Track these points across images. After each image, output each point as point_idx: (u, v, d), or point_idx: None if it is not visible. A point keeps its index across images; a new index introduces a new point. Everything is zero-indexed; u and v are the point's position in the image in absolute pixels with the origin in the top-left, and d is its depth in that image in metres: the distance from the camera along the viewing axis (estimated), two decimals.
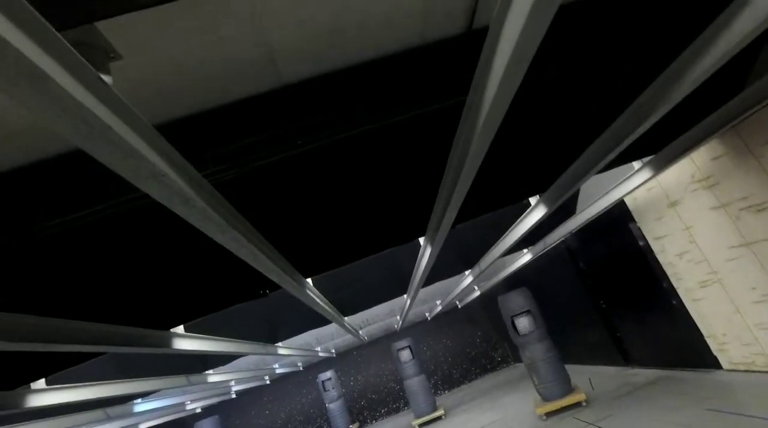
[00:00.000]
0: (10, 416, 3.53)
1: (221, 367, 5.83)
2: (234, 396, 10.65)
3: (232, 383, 7.75)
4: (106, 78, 0.99)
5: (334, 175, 2.58)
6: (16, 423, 3.66)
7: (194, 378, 4.84)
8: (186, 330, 3.41)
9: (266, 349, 4.93)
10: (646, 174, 3.68)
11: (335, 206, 2.76)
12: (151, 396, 5.56)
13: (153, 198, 1.30)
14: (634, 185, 3.88)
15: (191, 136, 1.89)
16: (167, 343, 2.84)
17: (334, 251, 3.14)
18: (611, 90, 2.57)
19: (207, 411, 10.47)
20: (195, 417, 10.13)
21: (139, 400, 5.39)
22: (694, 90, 1.93)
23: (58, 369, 3.01)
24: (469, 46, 1.98)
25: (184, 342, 3.01)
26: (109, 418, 4.80)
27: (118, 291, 2.53)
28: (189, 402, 7.84)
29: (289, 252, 2.65)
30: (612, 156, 2.53)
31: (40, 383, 3.01)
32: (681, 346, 5.08)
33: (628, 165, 3.81)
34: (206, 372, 5.28)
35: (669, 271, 4.91)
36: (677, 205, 4.45)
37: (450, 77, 2.08)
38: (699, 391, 4.29)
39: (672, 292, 4.95)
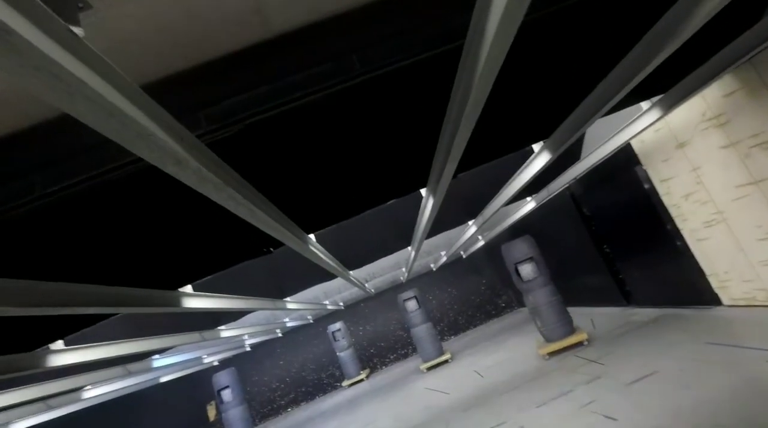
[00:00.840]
0: (34, 375, 3.69)
1: (233, 323, 6.02)
2: (249, 349, 11.11)
3: (245, 337, 8.05)
4: (76, 30, 0.92)
5: (332, 128, 2.50)
6: (44, 381, 3.84)
7: (207, 334, 5.01)
8: (195, 289, 3.47)
9: (275, 304, 5.05)
10: (654, 114, 3.56)
11: (334, 160, 2.70)
12: (167, 352, 5.79)
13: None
14: (641, 127, 3.77)
15: (182, 94, 1.82)
16: (176, 303, 2.90)
17: (335, 206, 3.12)
18: (619, 26, 2.42)
19: (224, 364, 10.97)
20: (213, 369, 10.62)
21: (157, 356, 5.62)
22: (707, 22, 1.80)
23: (74, 331, 3.11)
24: None
25: (193, 300, 3.07)
26: (130, 374, 5.02)
27: (125, 255, 2.55)
28: (206, 356, 8.19)
29: (289, 208, 2.63)
30: (620, 96, 2.43)
31: (59, 344, 3.12)
32: (682, 285, 5.16)
33: (636, 106, 3.68)
34: (218, 328, 5.46)
35: (674, 213, 4.89)
36: (685, 146, 4.35)
37: (448, 19, 1.95)
38: (699, 326, 4.41)
39: (676, 233, 4.95)
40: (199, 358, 8.10)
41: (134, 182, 2.14)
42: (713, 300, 4.77)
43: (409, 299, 9.43)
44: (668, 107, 3.45)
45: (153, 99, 1.12)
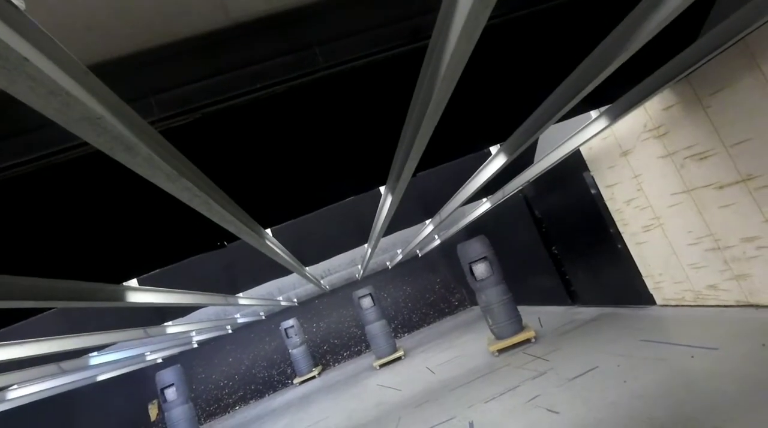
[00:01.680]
0: None
1: (180, 319, 5.77)
2: (196, 345, 10.70)
3: (193, 334, 7.74)
4: (16, 1, 0.84)
5: (292, 121, 2.44)
6: None
7: (152, 330, 4.77)
8: (140, 283, 3.29)
9: (226, 300, 4.89)
10: (602, 123, 3.77)
11: (293, 155, 2.65)
12: (107, 348, 5.47)
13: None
14: (590, 134, 3.97)
15: (134, 78, 1.71)
16: (120, 297, 2.73)
17: (294, 201, 3.06)
18: (574, 37, 2.53)
19: (168, 361, 10.50)
20: (156, 367, 10.14)
21: (95, 353, 5.29)
22: (651, 39, 1.93)
23: (3, 326, 2.86)
24: None
25: (138, 295, 2.91)
26: (64, 372, 4.69)
27: (66, 245, 2.37)
28: (149, 353, 7.80)
29: (246, 202, 2.56)
30: (573, 103, 2.54)
31: None
32: (622, 286, 5.51)
33: (586, 114, 3.88)
34: (164, 324, 5.21)
35: (616, 217, 5.20)
36: (629, 154, 4.64)
37: (413, 18, 1.96)
38: (635, 324, 4.73)
39: (618, 237, 5.28)
40: (142, 355, 7.70)
41: (80, 167, 1.99)
42: (648, 300, 5.13)
43: (363, 296, 9.44)
44: (615, 117, 3.66)
45: (101, 81, 1.04)
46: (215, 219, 2.12)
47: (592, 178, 5.37)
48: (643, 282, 5.13)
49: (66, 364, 4.77)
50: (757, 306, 3.79)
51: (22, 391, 4.82)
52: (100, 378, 7.68)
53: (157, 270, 3.67)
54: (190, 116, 1.88)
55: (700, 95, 3.59)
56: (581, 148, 5.24)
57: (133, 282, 3.06)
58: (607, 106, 3.69)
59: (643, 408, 2.82)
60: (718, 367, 2.98)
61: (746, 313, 3.77)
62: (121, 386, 10.00)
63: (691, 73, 3.51)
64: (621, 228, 5.20)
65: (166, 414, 8.78)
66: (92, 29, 1.45)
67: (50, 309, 3.09)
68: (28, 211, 2.15)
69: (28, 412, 6.68)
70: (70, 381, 5.91)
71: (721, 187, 3.71)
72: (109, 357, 5.76)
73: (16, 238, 2.21)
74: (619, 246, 5.29)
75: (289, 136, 2.52)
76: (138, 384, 10.74)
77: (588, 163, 5.35)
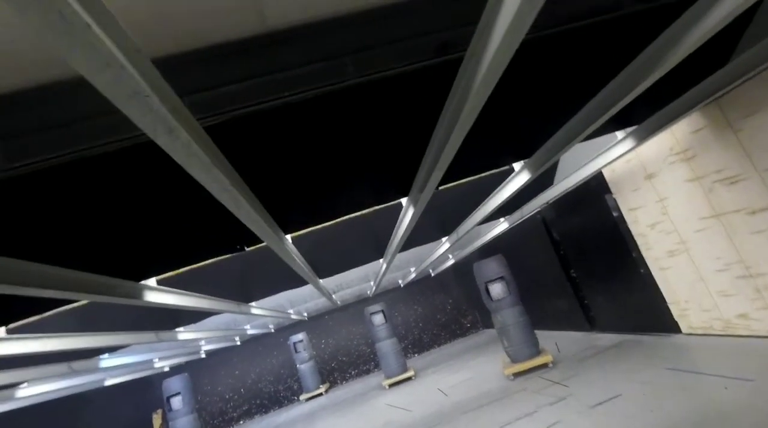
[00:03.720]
0: None
1: (192, 325, 5.75)
2: (203, 356, 10.64)
3: (203, 342, 7.70)
4: None
5: (319, 129, 2.46)
6: None
7: (163, 334, 4.75)
8: (159, 284, 3.29)
9: (239, 308, 4.87)
10: (628, 144, 3.72)
11: (318, 162, 2.66)
12: (117, 351, 5.45)
13: (133, 137, 1.17)
14: (615, 155, 3.92)
15: (169, 78, 1.74)
16: (137, 294, 2.73)
17: (315, 208, 3.06)
18: (604, 56, 2.52)
19: (175, 370, 10.44)
20: (163, 375, 10.08)
21: (106, 355, 5.28)
22: (681, 62, 1.92)
23: (20, 318, 2.88)
24: None
25: (155, 294, 2.90)
26: (73, 372, 4.68)
27: (90, 237, 2.39)
28: (157, 359, 7.76)
29: (269, 206, 2.56)
30: (600, 122, 2.52)
31: (1, 331, 2.87)
32: (644, 312, 5.33)
33: (610, 136, 3.84)
34: (176, 329, 5.19)
35: (639, 241, 5.08)
36: (653, 178, 4.56)
37: (446, 31, 1.98)
38: (659, 352, 4.55)
39: (640, 261, 5.14)
40: (150, 361, 7.67)
41: (111, 161, 2.02)
42: (673, 327, 4.94)
43: (376, 312, 9.33)
44: (641, 138, 3.61)
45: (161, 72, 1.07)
46: (241, 218, 2.11)
47: (615, 200, 5.27)
48: (667, 308, 4.96)
49: (76, 364, 4.76)
50: None
51: (32, 390, 4.81)
52: (108, 383, 7.65)
53: (174, 273, 3.68)
54: (220, 117, 1.90)
55: (730, 119, 3.53)
56: (604, 170, 5.17)
57: (152, 282, 3.06)
58: (633, 128, 3.65)
59: None
60: (754, 400, 2.82)
61: None
62: (127, 393, 9.94)
63: (721, 96, 3.46)
64: (644, 253, 5.07)
65: (170, 423, 8.66)
66: (133, 28, 1.49)
67: (68, 302, 3.10)
68: (56, 202, 2.17)
69: (33, 414, 6.65)
70: (78, 383, 5.89)
71: (753, 213, 3.60)
72: (119, 361, 5.74)
73: (42, 228, 2.23)
74: (642, 270, 5.15)
75: (315, 143, 2.54)
76: (144, 392, 10.67)
77: (610, 185, 5.26)
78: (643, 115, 3.50)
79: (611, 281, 5.86)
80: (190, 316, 5.25)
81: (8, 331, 3.23)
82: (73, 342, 3.55)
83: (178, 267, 3.13)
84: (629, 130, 3.70)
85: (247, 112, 1.89)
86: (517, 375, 5.60)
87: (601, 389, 3.99)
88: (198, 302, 3.76)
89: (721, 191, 3.82)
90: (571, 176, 4.62)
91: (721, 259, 4.05)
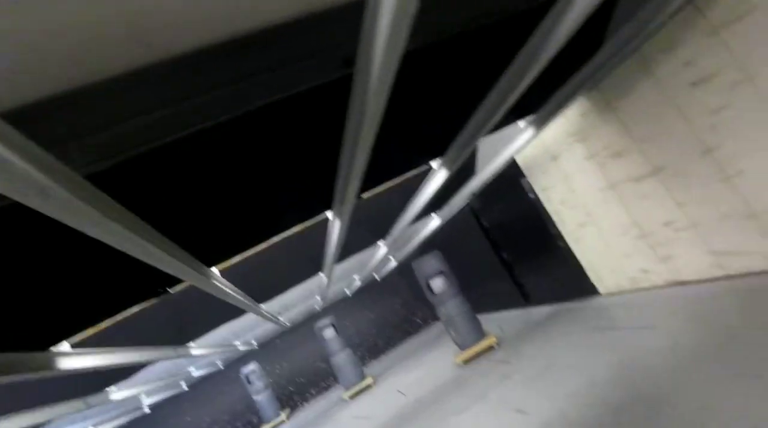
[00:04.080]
0: None
1: (125, 381, 5.30)
2: (148, 411, 9.84)
3: (143, 396, 7.13)
4: None
5: (228, 155, 2.39)
6: None
7: (93, 399, 4.33)
8: (74, 347, 3.01)
9: (177, 352, 4.58)
10: (530, 132, 4.01)
11: (235, 189, 2.59)
12: None
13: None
14: (521, 143, 4.21)
15: (53, 122, 1.60)
16: (49, 365, 2.47)
17: (240, 235, 2.97)
18: (492, 54, 2.70)
19: None
20: None
21: None
22: (561, 51, 2.12)
23: None
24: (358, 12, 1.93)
25: (73, 359, 2.64)
26: None
27: None
28: (91, 427, 7.06)
29: (187, 242, 2.44)
30: (499, 115, 2.70)
31: None
32: (568, 282, 5.78)
33: (514, 126, 4.12)
34: (107, 389, 4.76)
35: (555, 218, 5.50)
36: (558, 159, 4.96)
37: (341, 48, 2.01)
38: (584, 316, 4.97)
39: (558, 236, 5.56)
40: None
41: None
42: (592, 291, 5.41)
43: (325, 327, 9.21)
44: (540, 125, 3.92)
45: (18, 127, 0.98)
46: (152, 263, 2.00)
47: (529, 183, 5.66)
48: (586, 275, 5.42)
49: None
50: (684, 283, 4.12)
51: None
52: None
53: (94, 331, 3.38)
54: (114, 159, 1.78)
55: (608, 100, 3.95)
56: (516, 157, 5.54)
57: (65, 347, 2.78)
58: (532, 116, 3.95)
59: (600, 394, 2.94)
60: (659, 343, 3.19)
61: (675, 291, 4.11)
62: None
63: (599, 81, 3.86)
64: (560, 228, 5.50)
65: None
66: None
67: None
68: None
69: None
70: None
71: (638, 180, 4.05)
72: None
73: None
74: (561, 244, 5.58)
75: (226, 170, 2.46)
76: None
77: (524, 169, 5.65)
78: (538, 103, 3.80)
79: (538, 258, 6.28)
80: (122, 372, 4.85)
81: None
82: None
83: (94, 325, 2.88)
84: (529, 118, 4.00)
85: (151, 147, 1.79)
86: (466, 361, 5.82)
87: (540, 360, 4.27)
88: (126, 356, 3.48)
89: (611, 165, 4.25)
90: (488, 166, 4.89)
91: (620, 225, 4.52)
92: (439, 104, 2.89)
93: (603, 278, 5.20)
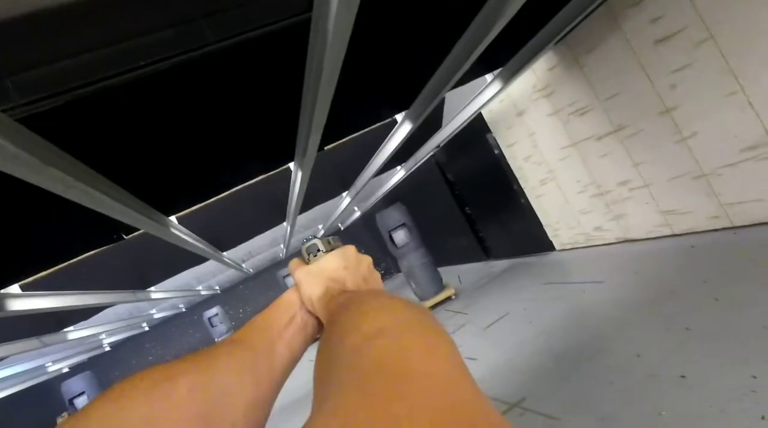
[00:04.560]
0: None
1: (83, 322, 5.27)
2: (108, 348, 9.89)
3: (102, 336, 7.14)
4: None
5: (187, 101, 2.27)
6: None
7: (49, 338, 4.31)
8: (26, 288, 2.94)
9: (136, 296, 4.55)
10: (497, 85, 4.00)
11: (191, 136, 2.48)
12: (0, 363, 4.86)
13: None
14: (488, 97, 4.20)
15: None
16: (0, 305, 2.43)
17: (197, 185, 2.90)
18: (461, 3, 2.60)
19: (77, 369, 9.62)
20: (63, 376, 9.24)
21: None
22: (529, 2, 2.07)
23: None
24: None
25: (22, 302, 2.60)
26: None
27: None
28: (50, 363, 7.07)
29: (143, 190, 2.37)
30: (465, 67, 2.66)
31: None
32: (527, 237, 6.05)
33: (482, 79, 4.09)
34: (65, 330, 4.73)
35: (518, 174, 5.63)
36: (523, 114, 5.00)
37: None
38: (539, 270, 5.25)
39: (520, 192, 5.74)
40: (42, 367, 6.96)
41: None
42: (549, 247, 5.70)
43: (287, 276, 9.34)
44: (507, 79, 3.90)
45: None
46: (103, 211, 1.94)
47: (494, 139, 5.72)
48: (544, 231, 5.67)
49: None
50: (633, 240, 4.39)
51: None
52: None
53: (46, 273, 3.29)
54: (59, 99, 1.66)
55: (576, 55, 3.94)
56: (483, 111, 5.53)
57: (14, 289, 2.72)
58: (499, 70, 3.92)
59: (545, 343, 3.18)
60: (604, 297, 3.45)
61: (624, 248, 4.37)
62: (25, 402, 9.00)
63: (566, 35, 3.83)
64: (523, 184, 5.66)
65: None
66: None
67: None
68: None
69: None
70: None
71: (599, 139, 4.17)
72: (5, 373, 5.13)
73: None
74: (522, 201, 5.76)
75: (183, 116, 2.35)
76: (44, 398, 9.75)
77: (490, 124, 5.67)
78: (506, 56, 3.76)
79: (500, 213, 6.49)
80: (80, 314, 4.80)
81: None
82: None
83: (45, 270, 2.81)
84: (496, 72, 3.97)
85: (94, 88, 1.67)
86: None
87: (494, 311, 4.54)
88: (81, 300, 3.44)
89: (575, 122, 4.34)
90: (453, 119, 4.88)
91: (580, 182, 4.69)
92: (403, 55, 2.80)
93: (560, 234, 5.47)
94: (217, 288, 11.06)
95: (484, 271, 6.85)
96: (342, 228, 12.70)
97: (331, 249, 0.62)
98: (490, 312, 4.58)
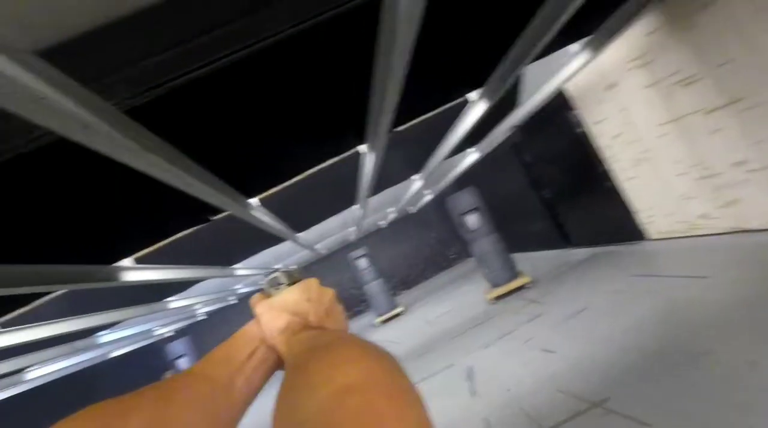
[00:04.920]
0: None
1: (181, 294, 5.86)
2: (205, 317, 10.97)
3: (197, 307, 7.89)
4: None
5: (264, 87, 2.35)
6: None
7: (154, 306, 4.85)
8: (137, 262, 3.30)
9: (223, 272, 4.94)
10: (584, 57, 3.67)
11: (268, 122, 2.57)
12: (116, 326, 5.58)
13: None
14: (572, 70, 3.88)
15: (88, 58, 1.62)
16: (115, 277, 2.75)
17: (276, 168, 3.02)
18: None
19: (179, 333, 10.80)
20: (169, 339, 10.44)
21: (106, 331, 5.41)
22: None
23: (9, 312, 2.91)
24: None
25: (133, 273, 2.93)
26: (77, 351, 4.83)
27: (55, 232, 2.35)
28: (157, 328, 7.98)
29: (226, 174, 2.52)
30: (548, 38, 2.46)
31: None
32: (613, 224, 5.58)
33: (566, 50, 3.76)
34: (166, 300, 5.30)
35: (606, 154, 5.18)
36: (614, 88, 4.55)
37: None
38: (627, 261, 4.82)
39: (607, 175, 5.28)
40: (150, 331, 7.89)
41: (49, 153, 1.93)
42: (641, 235, 5.20)
43: (359, 257, 9.57)
44: (597, 48, 3.56)
45: (55, 64, 1.00)
46: (193, 193, 2.09)
47: (579, 116, 5.29)
48: (633, 218, 5.19)
49: (78, 344, 4.90)
50: (749, 231, 3.82)
51: (41, 371, 4.95)
52: (114, 354, 7.90)
53: (150, 250, 3.67)
54: (152, 93, 1.79)
55: (684, 15, 3.44)
56: (565, 86, 5.14)
57: (128, 262, 3.06)
58: (587, 38, 3.58)
59: (634, 340, 2.92)
60: (709, 295, 3.05)
61: (737, 240, 3.82)
62: (137, 360, 10.33)
63: None
64: (610, 166, 5.19)
65: None
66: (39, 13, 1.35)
67: (49, 293, 3.13)
68: (9, 201, 2.10)
69: (50, 390, 6.90)
70: (85, 359, 6.08)
71: (709, 112, 3.65)
72: (119, 335, 5.90)
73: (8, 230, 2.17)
74: (609, 184, 5.31)
75: (261, 102, 2.44)
76: (153, 357, 11.09)
77: (573, 100, 5.25)
78: (595, 23, 3.42)
79: (582, 197, 6.04)
80: (177, 286, 5.33)
81: (2, 325, 3.26)
82: (68, 326, 3.63)
83: (150, 246, 3.13)
84: (584, 41, 3.63)
85: (185, 80, 1.79)
86: (497, 299, 5.93)
87: (573, 303, 4.27)
88: (179, 273, 3.81)
89: (678, 94, 3.84)
90: (533, 97, 4.59)
91: (681, 163, 4.18)
92: (478, 28, 2.65)
93: (654, 221, 4.95)
94: (295, 267, 11.67)
95: (561, 259, 6.47)
96: (413, 212, 12.70)
97: (294, 282, 0.61)
98: (570, 303, 4.31)
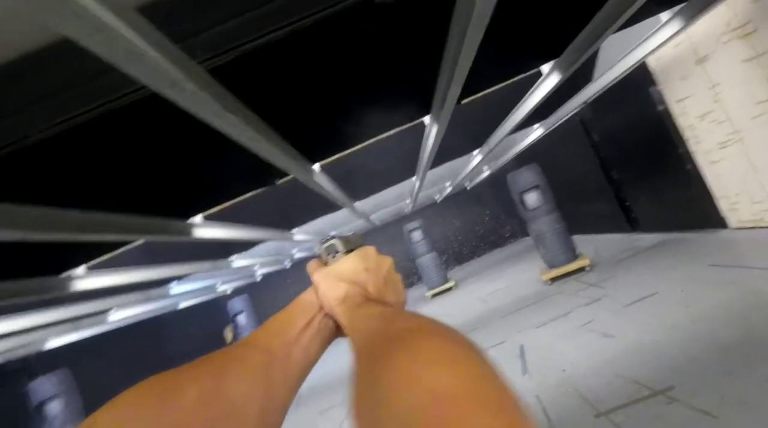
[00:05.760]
0: (62, 298, 3.92)
1: (243, 253, 6.22)
2: (259, 279, 11.61)
3: (256, 267, 8.34)
4: None
5: (331, 54, 2.36)
6: (69, 303, 4.10)
7: (219, 263, 5.20)
8: (206, 220, 3.53)
9: (282, 235, 5.16)
10: (675, 26, 3.32)
11: (334, 89, 2.60)
12: (184, 279, 6.07)
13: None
14: (659, 41, 3.53)
15: (169, 22, 1.70)
16: (188, 232, 2.97)
17: (341, 135, 3.06)
18: None
19: (237, 292, 11.54)
20: (227, 297, 11.21)
21: (174, 283, 5.90)
22: None
23: (94, 257, 3.25)
24: None
25: (204, 230, 3.15)
26: (150, 299, 5.32)
27: (135, 186, 2.56)
28: (219, 284, 8.57)
29: (293, 138, 2.59)
30: (637, 5, 2.25)
31: (81, 270, 3.25)
32: (689, 209, 5.16)
33: (654, 19, 3.43)
34: (229, 258, 5.65)
35: (688, 134, 4.75)
36: (706, 61, 4.12)
37: None
38: (703, 249, 4.48)
39: (687, 156, 4.86)
40: (213, 286, 8.48)
41: (139, 110, 2.08)
42: (720, 223, 4.79)
43: (414, 229, 9.59)
44: (691, 17, 3.21)
45: (152, 21, 1.06)
46: (263, 154, 2.17)
47: (660, 92, 4.86)
48: (714, 204, 4.77)
49: (153, 292, 5.40)
50: None
51: (120, 314, 5.53)
52: (181, 306, 8.62)
53: (217, 210, 3.90)
54: (229, 55, 1.86)
55: None
56: (648, 59, 4.72)
57: (198, 219, 3.28)
58: (681, 5, 3.23)
59: (706, 331, 2.74)
60: None
61: None
62: (199, 314, 11.22)
63: None
64: (693, 147, 4.77)
65: (239, 337, 9.82)
66: None
67: (130, 242, 3.43)
68: (100, 155, 2.30)
69: (124, 335, 7.70)
70: (157, 307, 6.70)
71: None
72: (186, 287, 6.40)
73: (93, 181, 2.40)
74: (689, 166, 4.89)
75: (331, 68, 2.46)
76: (213, 313, 11.98)
77: (656, 75, 4.83)
78: None
79: (655, 180, 5.63)
80: (240, 245, 5.66)
81: (88, 268, 3.66)
82: (144, 275, 3.99)
83: (217, 205, 3.32)
84: (675, 9, 3.28)
85: (258, 43, 1.85)
86: (553, 280, 5.75)
87: (638, 288, 4.05)
88: (243, 233, 4.03)
89: None
90: (610, 71, 4.26)
91: None
92: None
93: (738, 209, 4.53)
94: (352, 233, 11.95)
95: (626, 244, 6.12)
96: (468, 188, 12.47)
97: (351, 250, 0.60)
98: (634, 289, 4.10)
